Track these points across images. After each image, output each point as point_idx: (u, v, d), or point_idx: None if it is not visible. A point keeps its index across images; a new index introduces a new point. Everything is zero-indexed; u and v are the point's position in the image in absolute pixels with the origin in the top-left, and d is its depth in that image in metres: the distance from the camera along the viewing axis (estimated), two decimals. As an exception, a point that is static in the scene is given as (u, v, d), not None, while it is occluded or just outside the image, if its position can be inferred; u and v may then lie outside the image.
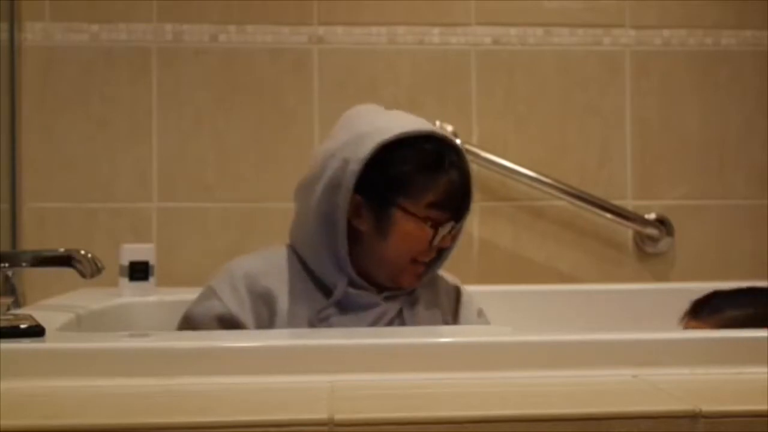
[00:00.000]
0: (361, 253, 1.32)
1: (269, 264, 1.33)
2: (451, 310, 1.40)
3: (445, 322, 1.38)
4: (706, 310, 1.31)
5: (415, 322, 1.33)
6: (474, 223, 2.04)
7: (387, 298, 1.33)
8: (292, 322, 1.28)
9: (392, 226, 1.30)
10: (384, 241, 1.31)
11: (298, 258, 1.34)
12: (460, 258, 2.01)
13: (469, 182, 1.33)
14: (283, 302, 1.29)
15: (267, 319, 1.28)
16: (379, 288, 1.33)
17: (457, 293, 1.42)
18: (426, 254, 1.32)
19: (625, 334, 1.20)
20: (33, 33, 1.96)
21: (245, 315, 1.28)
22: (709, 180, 2.10)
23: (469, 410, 0.80)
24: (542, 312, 1.76)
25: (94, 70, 1.97)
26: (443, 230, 1.30)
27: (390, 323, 1.32)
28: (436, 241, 1.30)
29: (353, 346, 0.96)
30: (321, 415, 0.77)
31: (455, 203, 1.31)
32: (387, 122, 1.30)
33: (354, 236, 1.31)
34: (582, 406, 0.82)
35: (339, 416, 0.77)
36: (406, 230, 1.30)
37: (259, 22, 2.00)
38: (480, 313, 1.43)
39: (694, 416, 0.79)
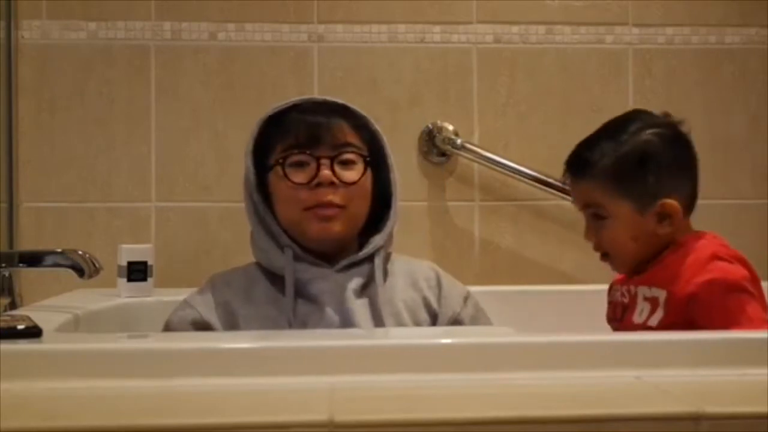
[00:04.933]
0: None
1: (234, 275, 1.39)
2: (434, 294, 1.38)
3: (427, 306, 1.37)
4: (581, 169, 1.33)
5: (393, 303, 1.33)
6: (475, 223, 2.03)
7: (343, 270, 1.33)
8: (250, 329, 1.30)
9: (272, 192, 1.36)
10: (277, 206, 1.36)
11: (260, 268, 1.38)
12: (460, 258, 2.02)
13: (316, 115, 1.35)
14: (241, 310, 1.32)
15: (232, 326, 1.32)
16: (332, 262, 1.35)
17: (437, 278, 1.41)
18: (306, 199, 1.31)
19: (627, 335, 1.19)
20: (30, 31, 1.95)
21: (215, 321, 1.32)
22: (713, 179, 2.09)
23: (469, 412, 0.80)
24: (544, 313, 1.76)
25: (92, 68, 1.97)
26: (293, 169, 1.31)
27: (359, 297, 1.31)
28: (292, 177, 1.31)
29: (353, 346, 0.96)
30: (321, 416, 0.77)
31: (299, 136, 1.33)
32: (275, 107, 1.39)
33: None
34: (584, 408, 0.82)
35: (339, 417, 0.77)
36: (276, 187, 1.34)
37: (259, 20, 1.99)
38: (468, 298, 1.41)
39: (696, 418, 0.79)
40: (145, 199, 1.96)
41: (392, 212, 1.38)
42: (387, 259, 1.39)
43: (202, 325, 1.32)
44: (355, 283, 1.32)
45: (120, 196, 1.96)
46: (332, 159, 1.31)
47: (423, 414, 0.79)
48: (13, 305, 1.72)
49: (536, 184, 1.98)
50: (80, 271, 1.31)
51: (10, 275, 1.72)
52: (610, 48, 2.07)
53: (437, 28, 2.03)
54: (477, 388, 0.87)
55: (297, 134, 1.33)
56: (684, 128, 1.35)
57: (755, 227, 2.07)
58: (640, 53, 2.07)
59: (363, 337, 0.99)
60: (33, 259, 1.36)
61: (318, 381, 0.88)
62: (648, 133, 1.31)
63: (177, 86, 1.98)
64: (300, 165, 1.32)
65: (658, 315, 1.27)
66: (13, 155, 1.92)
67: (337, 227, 1.32)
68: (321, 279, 1.32)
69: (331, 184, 1.30)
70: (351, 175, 1.33)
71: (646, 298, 1.32)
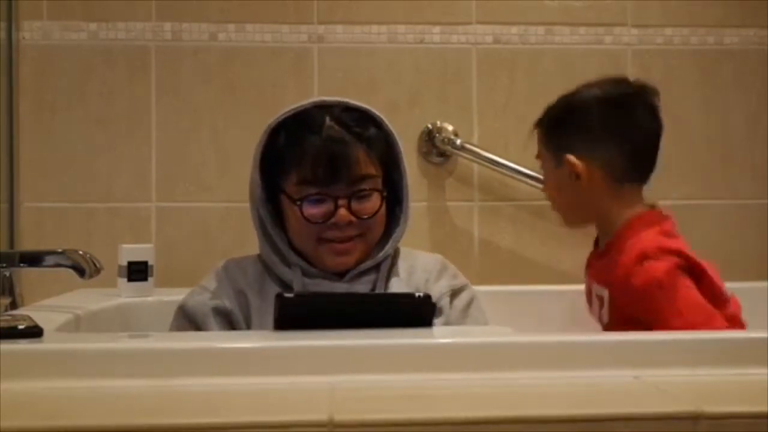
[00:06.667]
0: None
1: (248, 264, 1.38)
2: (426, 283, 1.37)
3: None
4: (538, 120, 1.37)
5: None
6: (474, 223, 2.03)
7: (352, 280, 1.32)
8: (261, 321, 1.29)
9: (283, 212, 1.33)
10: (288, 228, 1.33)
11: (265, 265, 1.37)
12: (460, 258, 2.02)
13: (333, 145, 1.28)
14: (255, 301, 1.32)
15: (245, 315, 1.32)
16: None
17: (438, 270, 1.40)
18: (321, 231, 1.29)
19: (626, 334, 1.20)
20: (31, 32, 1.95)
21: (233, 307, 1.32)
22: (712, 180, 2.09)
23: (469, 411, 0.80)
24: (543, 312, 1.76)
25: (92, 68, 1.97)
26: (309, 205, 1.28)
27: None
28: (307, 213, 1.28)
29: (353, 346, 0.96)
30: (321, 415, 0.77)
31: (316, 170, 1.28)
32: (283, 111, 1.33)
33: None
34: (583, 407, 0.82)
35: (339, 417, 0.77)
36: (288, 213, 1.32)
37: (259, 21, 1.99)
38: (458, 292, 1.39)
39: (695, 417, 0.79)
40: (146, 200, 1.97)
41: (402, 220, 1.36)
42: (395, 256, 1.39)
43: (223, 311, 1.31)
44: (362, 289, 1.32)
45: (120, 196, 1.96)
46: (350, 197, 1.28)
47: (423, 414, 0.80)
48: (13, 305, 1.72)
49: (535, 185, 1.98)
50: (81, 271, 1.31)
51: (10, 275, 1.72)
52: (609, 48, 2.07)
53: (437, 29, 2.03)
54: (477, 388, 0.88)
55: (314, 168, 1.28)
56: (647, 98, 1.32)
57: (755, 227, 2.07)
58: (639, 54, 2.08)
59: (363, 337, 0.99)
60: (34, 259, 1.36)
61: (318, 381, 0.88)
62: (589, 92, 1.31)
63: (177, 87, 1.98)
64: (316, 201, 1.29)
65: (606, 312, 1.30)
66: (13, 155, 1.92)
67: (353, 258, 1.32)
68: (330, 290, 1.31)
69: (348, 222, 1.29)
70: (368, 208, 1.30)
71: (596, 295, 1.34)
